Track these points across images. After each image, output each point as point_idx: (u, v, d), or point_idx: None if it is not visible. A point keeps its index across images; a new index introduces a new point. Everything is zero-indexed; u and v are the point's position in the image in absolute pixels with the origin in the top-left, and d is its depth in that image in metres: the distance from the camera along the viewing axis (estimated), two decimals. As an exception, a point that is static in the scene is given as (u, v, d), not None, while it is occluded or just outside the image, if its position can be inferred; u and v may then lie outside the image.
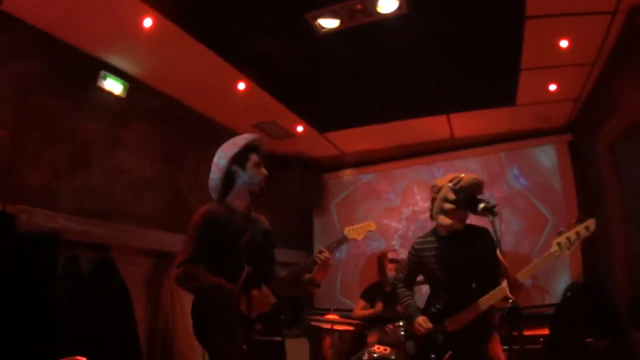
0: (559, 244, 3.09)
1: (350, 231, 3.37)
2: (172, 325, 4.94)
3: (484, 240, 3.36)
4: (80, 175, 4.51)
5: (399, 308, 3.84)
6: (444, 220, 3.33)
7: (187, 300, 3.10)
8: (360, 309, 6.12)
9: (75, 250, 4.24)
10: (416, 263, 3.64)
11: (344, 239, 3.34)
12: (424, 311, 3.55)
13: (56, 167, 4.33)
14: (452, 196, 3.29)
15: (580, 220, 3.16)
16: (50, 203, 4.20)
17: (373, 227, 3.44)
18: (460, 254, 3.37)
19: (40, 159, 4.21)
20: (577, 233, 3.09)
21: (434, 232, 3.61)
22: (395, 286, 3.78)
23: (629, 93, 4.37)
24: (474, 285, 3.28)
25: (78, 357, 3.31)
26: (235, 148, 3.14)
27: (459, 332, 3.30)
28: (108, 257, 4.53)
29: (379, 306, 5.90)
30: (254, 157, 3.18)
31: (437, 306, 3.45)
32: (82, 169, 4.54)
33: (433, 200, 3.47)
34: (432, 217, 3.52)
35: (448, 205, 3.30)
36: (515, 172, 7.03)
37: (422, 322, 3.42)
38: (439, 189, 3.41)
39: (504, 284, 3.07)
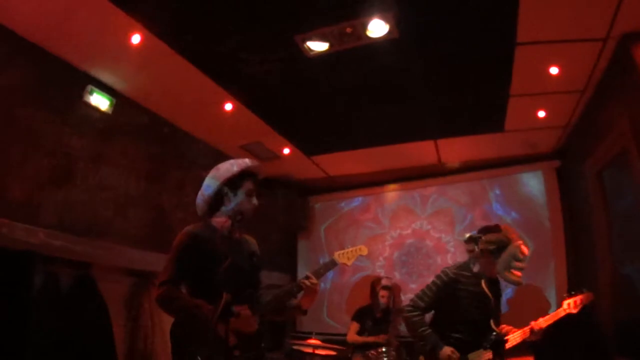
0: (569, 303, 3.66)
1: (340, 256, 3.29)
2: (151, 346, 4.85)
3: (499, 286, 3.85)
4: (63, 190, 4.43)
5: (412, 336, 3.84)
6: (512, 277, 3.58)
7: (167, 321, 3.06)
8: (354, 332, 6.12)
9: (54, 267, 4.15)
10: (447, 292, 3.69)
11: (332, 264, 3.26)
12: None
13: (38, 181, 4.25)
14: (520, 257, 3.58)
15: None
16: (31, 217, 4.11)
17: (365, 251, 3.38)
18: (489, 293, 3.66)
19: (23, 171, 4.12)
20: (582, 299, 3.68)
21: (467, 266, 3.80)
22: (411, 313, 3.73)
23: (618, 120, 4.38)
24: (494, 320, 3.65)
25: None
26: (231, 170, 3.09)
27: None
28: (88, 274, 4.44)
29: (380, 337, 5.89)
30: (248, 185, 3.12)
31: (456, 337, 3.62)
32: (65, 184, 4.46)
33: (485, 244, 3.70)
34: (474, 254, 3.81)
35: (520, 264, 3.58)
36: (501, 198, 7.03)
37: (452, 352, 3.53)
38: (505, 244, 3.63)
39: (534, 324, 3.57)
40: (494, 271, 3.65)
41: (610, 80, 4.53)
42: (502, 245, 3.61)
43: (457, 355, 3.51)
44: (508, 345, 3.54)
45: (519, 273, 3.57)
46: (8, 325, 3.47)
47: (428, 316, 3.79)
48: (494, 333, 3.56)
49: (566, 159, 6.57)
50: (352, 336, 6.13)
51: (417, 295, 3.78)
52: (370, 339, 5.94)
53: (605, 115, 4.79)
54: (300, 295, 3.13)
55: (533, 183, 6.86)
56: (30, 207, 4.16)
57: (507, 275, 3.57)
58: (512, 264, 3.56)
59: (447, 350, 3.52)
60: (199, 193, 3.15)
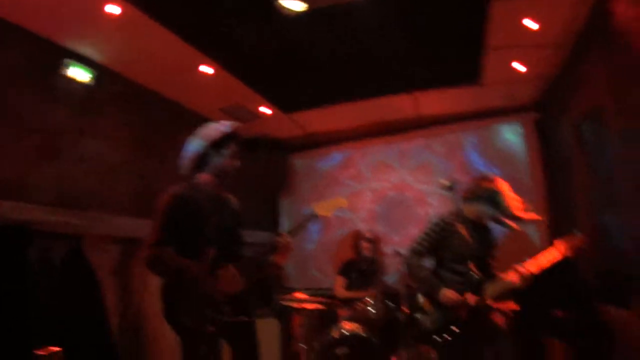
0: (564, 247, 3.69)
1: (319, 208, 3.37)
2: (143, 311, 4.93)
3: (491, 231, 3.96)
4: (49, 165, 4.41)
5: (413, 280, 3.98)
6: (498, 224, 3.76)
7: (156, 286, 3.11)
8: (341, 286, 6.23)
9: (46, 241, 4.19)
10: (442, 236, 3.81)
11: (312, 216, 3.35)
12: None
13: (24, 158, 4.24)
14: (509, 206, 3.68)
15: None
16: (20, 195, 4.12)
17: (344, 203, 3.48)
18: (483, 237, 3.81)
19: (7, 150, 4.11)
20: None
21: (461, 213, 3.91)
22: (411, 259, 3.85)
23: (596, 74, 4.45)
24: (489, 263, 3.80)
25: (51, 348, 3.28)
26: (215, 133, 3.20)
27: (478, 306, 3.61)
28: (79, 246, 4.48)
29: (367, 292, 6.00)
30: (232, 147, 3.23)
31: (458, 280, 3.72)
32: (51, 159, 4.43)
33: (477, 192, 3.83)
34: (467, 202, 3.90)
35: (507, 213, 3.68)
36: (480, 149, 7.13)
37: (452, 294, 3.62)
38: (495, 192, 3.75)
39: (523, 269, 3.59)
40: (485, 218, 3.80)
41: (589, 33, 4.55)
42: (493, 194, 3.74)
43: (456, 296, 3.60)
44: (501, 288, 3.64)
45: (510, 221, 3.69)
46: (8, 299, 3.50)
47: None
48: (488, 274, 3.69)
49: (545, 111, 6.64)
50: (340, 290, 6.24)
51: (416, 241, 3.89)
52: (358, 294, 6.06)
53: (583, 68, 4.84)
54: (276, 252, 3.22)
55: (512, 135, 6.96)
56: (18, 185, 4.16)
57: (495, 222, 3.73)
58: (503, 212, 3.68)
59: (447, 291, 3.62)
60: (184, 154, 3.23)
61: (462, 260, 3.74)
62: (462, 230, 3.79)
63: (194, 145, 3.20)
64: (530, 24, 4.61)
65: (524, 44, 5.06)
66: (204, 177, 3.21)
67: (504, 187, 3.78)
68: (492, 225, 3.87)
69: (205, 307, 2.77)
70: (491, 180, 3.86)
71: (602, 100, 4.41)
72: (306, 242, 7.84)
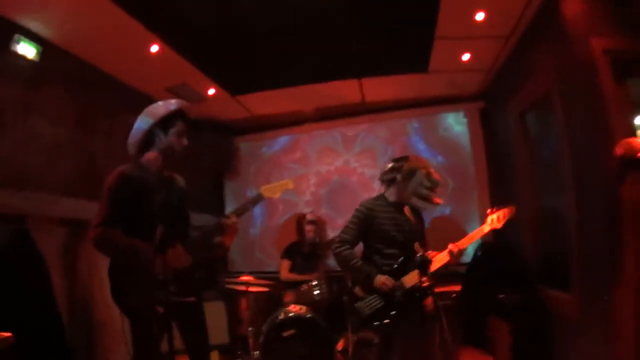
0: (492, 218, 3.77)
1: (266, 190, 3.41)
2: (90, 294, 4.84)
3: (418, 212, 4.01)
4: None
5: (345, 270, 4.03)
6: (419, 202, 3.82)
7: (104, 268, 3.07)
8: (287, 269, 6.28)
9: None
10: (367, 222, 3.86)
11: (259, 197, 3.37)
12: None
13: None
14: (427, 183, 3.78)
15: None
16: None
17: (291, 185, 3.50)
18: (408, 219, 3.82)
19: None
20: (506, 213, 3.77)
21: (382, 197, 4.02)
22: (340, 248, 3.87)
23: (542, 65, 4.57)
24: (419, 244, 3.77)
25: (2, 333, 3.19)
26: (162, 111, 3.14)
27: (414, 288, 3.66)
28: (24, 228, 4.31)
29: (311, 275, 6.05)
30: (179, 125, 3.19)
31: (389, 263, 3.79)
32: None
33: (394, 173, 3.92)
34: (386, 185, 4.03)
35: (425, 192, 3.78)
36: (426, 137, 7.26)
37: (386, 280, 3.68)
38: (412, 171, 3.82)
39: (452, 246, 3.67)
40: (405, 198, 3.86)
41: (537, 26, 4.68)
42: (410, 173, 3.81)
43: (391, 281, 3.66)
44: (434, 267, 3.66)
45: (420, 201, 3.79)
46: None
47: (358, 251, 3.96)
48: (419, 255, 3.69)
49: (490, 101, 6.79)
50: (285, 273, 6.29)
51: (342, 231, 3.94)
52: (303, 277, 6.12)
53: (530, 59, 4.97)
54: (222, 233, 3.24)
55: (457, 124, 7.10)
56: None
57: (415, 201, 3.78)
58: (420, 190, 3.76)
59: (381, 277, 3.68)
60: (130, 133, 3.18)
61: (392, 244, 3.81)
62: (387, 214, 3.86)
63: (141, 123, 3.14)
64: (480, 15, 4.69)
65: (472, 35, 5.14)
66: (150, 156, 3.17)
67: (419, 164, 3.86)
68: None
69: (154, 288, 2.73)
70: (406, 160, 3.92)
71: (548, 89, 4.54)
72: (251, 227, 7.84)
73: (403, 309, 3.66)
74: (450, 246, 3.68)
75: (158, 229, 2.69)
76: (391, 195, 3.97)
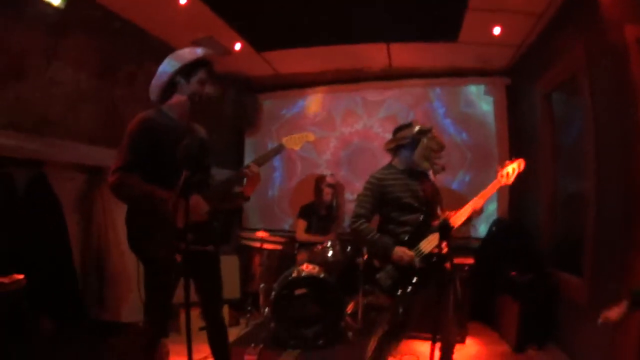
0: (502, 174, 3.73)
1: (288, 141, 3.43)
2: (105, 241, 4.89)
3: (428, 177, 3.97)
4: (13, 88, 4.20)
5: (362, 244, 4.05)
6: (429, 166, 3.77)
7: (119, 216, 3.09)
8: (302, 229, 6.32)
9: (8, 167, 4.05)
10: (380, 192, 3.82)
11: (280, 148, 3.39)
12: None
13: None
14: (435, 147, 3.74)
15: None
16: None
17: (312, 137, 3.52)
18: (420, 183, 3.85)
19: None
20: (515, 168, 3.74)
21: (391, 166, 3.98)
22: (356, 224, 3.82)
23: (572, 47, 4.51)
24: (437, 210, 3.84)
25: (15, 275, 3.26)
26: (189, 56, 3.13)
27: (432, 253, 3.65)
28: (42, 173, 4.36)
29: (326, 237, 6.11)
30: (201, 74, 3.17)
31: (406, 230, 3.75)
32: (16, 82, 4.22)
33: (401, 140, 3.87)
34: (393, 153, 4.00)
35: (434, 155, 3.74)
36: (449, 108, 7.20)
37: (403, 253, 3.63)
38: (420, 135, 3.78)
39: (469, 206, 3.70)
40: (412, 164, 3.83)
41: (571, 7, 4.59)
42: (417, 138, 3.77)
43: (408, 253, 3.62)
44: (456, 224, 3.65)
45: (438, 162, 3.75)
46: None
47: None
48: (441, 219, 3.59)
49: (517, 77, 6.69)
50: (301, 233, 6.34)
51: (356, 205, 3.90)
52: (317, 238, 6.17)
53: (560, 39, 4.90)
54: (244, 182, 3.26)
55: (482, 98, 7.03)
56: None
57: (426, 165, 3.74)
58: (429, 154, 3.74)
59: (399, 249, 3.64)
60: (154, 79, 3.17)
61: (407, 210, 3.77)
62: (398, 181, 3.83)
63: (166, 67, 3.13)
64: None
65: (505, 9, 5.05)
66: (173, 103, 3.17)
67: (424, 129, 3.83)
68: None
69: (172, 236, 2.73)
70: (411, 126, 3.91)
71: (576, 72, 4.50)
72: (270, 185, 7.90)
73: (423, 275, 3.64)
74: (471, 202, 3.70)
75: (182, 174, 2.65)
76: (400, 163, 3.93)
